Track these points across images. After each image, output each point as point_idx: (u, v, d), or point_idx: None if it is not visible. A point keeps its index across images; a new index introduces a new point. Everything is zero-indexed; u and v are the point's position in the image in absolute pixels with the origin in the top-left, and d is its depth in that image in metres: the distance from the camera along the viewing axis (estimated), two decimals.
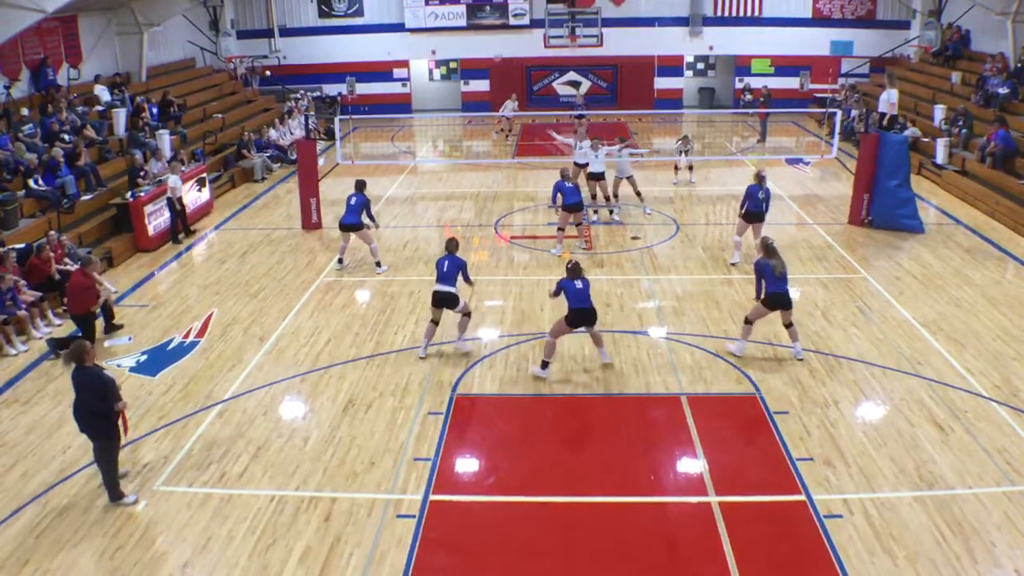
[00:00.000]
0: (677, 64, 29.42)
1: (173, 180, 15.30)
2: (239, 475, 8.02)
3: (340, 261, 13.80)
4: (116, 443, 7.54)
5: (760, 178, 13.15)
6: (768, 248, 10.00)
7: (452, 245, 10.49)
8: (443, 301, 10.19)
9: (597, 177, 15.84)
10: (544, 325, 11.30)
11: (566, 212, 13.83)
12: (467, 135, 27.45)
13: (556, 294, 9.89)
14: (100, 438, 7.41)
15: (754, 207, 13.05)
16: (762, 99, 24.40)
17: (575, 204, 13.75)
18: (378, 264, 13.59)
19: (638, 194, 16.68)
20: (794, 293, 12.35)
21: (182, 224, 15.72)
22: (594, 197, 16.09)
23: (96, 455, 7.49)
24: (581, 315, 9.63)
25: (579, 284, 9.64)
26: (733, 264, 13.44)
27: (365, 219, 13.40)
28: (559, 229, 14.18)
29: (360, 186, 13.62)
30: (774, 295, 9.89)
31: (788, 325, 10.12)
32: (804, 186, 18.95)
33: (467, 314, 10.49)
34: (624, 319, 11.56)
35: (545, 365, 9.84)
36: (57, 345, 10.71)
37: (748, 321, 10.19)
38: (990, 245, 14.50)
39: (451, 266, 10.17)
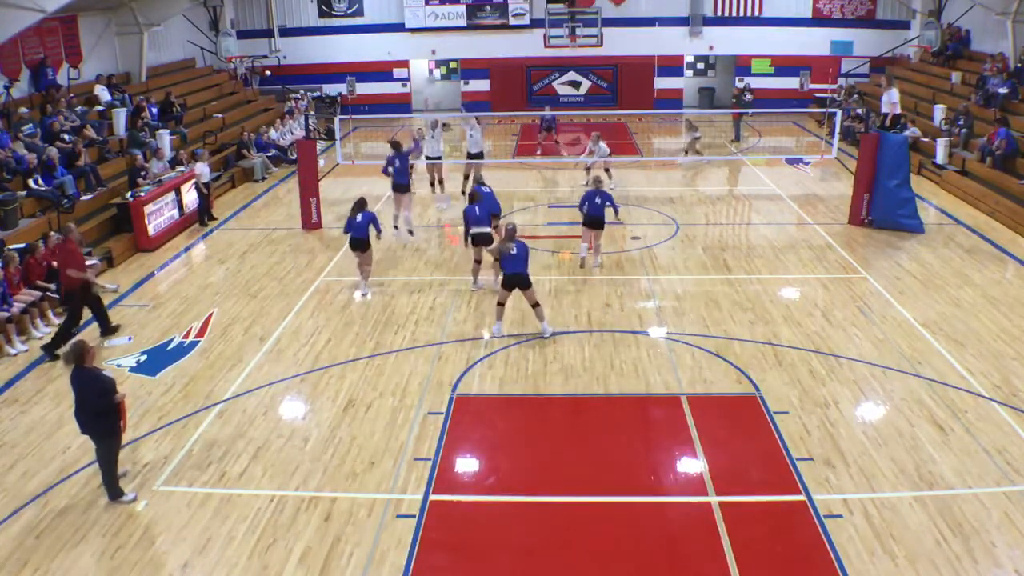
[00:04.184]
0: (677, 64, 29.41)
1: (200, 167, 16.50)
2: (239, 475, 8.02)
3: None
4: (118, 441, 7.55)
5: (597, 182, 13.41)
6: (508, 232, 10.79)
7: (477, 190, 12.68)
8: (481, 240, 11.87)
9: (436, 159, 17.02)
10: None
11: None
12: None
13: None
14: (103, 438, 7.42)
15: (593, 211, 12.85)
16: (734, 99, 24.42)
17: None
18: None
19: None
20: (794, 293, 12.41)
21: (206, 209, 16.85)
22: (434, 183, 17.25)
23: (98, 455, 7.50)
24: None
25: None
26: (597, 267, 13.34)
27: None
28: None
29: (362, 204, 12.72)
30: (510, 276, 10.69)
31: (535, 305, 10.84)
32: (804, 186, 18.95)
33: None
34: (624, 319, 11.55)
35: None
36: (51, 349, 10.64)
37: (500, 303, 10.95)
38: (990, 245, 14.50)
39: (483, 210, 12.05)
